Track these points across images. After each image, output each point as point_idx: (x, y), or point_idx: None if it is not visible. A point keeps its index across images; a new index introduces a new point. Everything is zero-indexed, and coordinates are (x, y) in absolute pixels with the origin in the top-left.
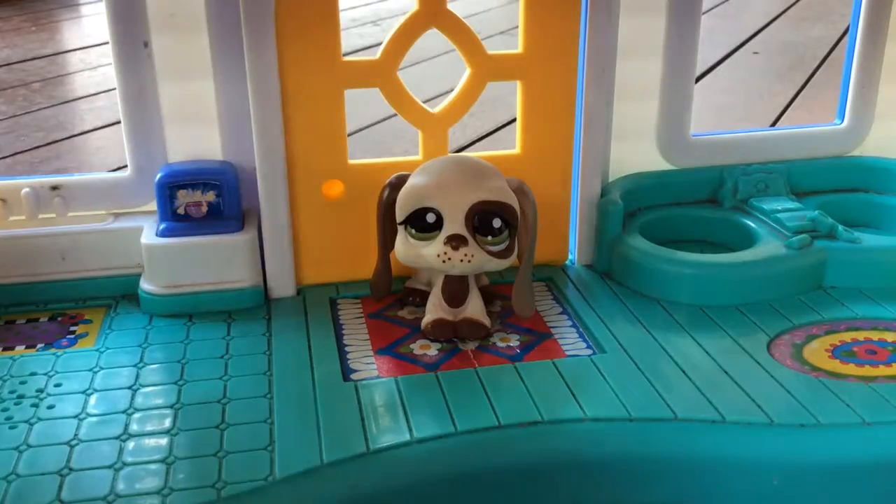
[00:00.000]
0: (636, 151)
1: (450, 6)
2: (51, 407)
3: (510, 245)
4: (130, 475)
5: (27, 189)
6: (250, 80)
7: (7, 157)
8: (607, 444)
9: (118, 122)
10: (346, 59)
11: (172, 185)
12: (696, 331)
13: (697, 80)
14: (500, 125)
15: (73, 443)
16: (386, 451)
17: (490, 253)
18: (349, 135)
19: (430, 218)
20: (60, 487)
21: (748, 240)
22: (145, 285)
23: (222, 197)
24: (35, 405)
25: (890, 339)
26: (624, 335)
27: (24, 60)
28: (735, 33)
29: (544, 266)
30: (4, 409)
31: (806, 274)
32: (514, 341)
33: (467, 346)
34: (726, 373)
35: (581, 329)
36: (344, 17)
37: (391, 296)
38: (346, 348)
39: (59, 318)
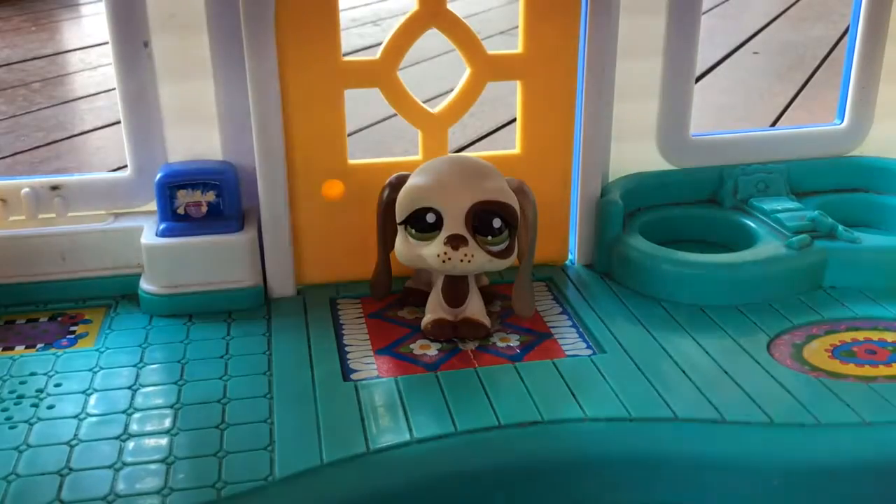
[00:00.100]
0: (636, 151)
1: (450, 6)
2: (51, 407)
3: (510, 245)
4: (130, 475)
5: (27, 189)
6: (250, 80)
7: (7, 157)
8: (607, 444)
9: (118, 122)
10: (346, 59)
11: (172, 185)
12: (696, 331)
13: (697, 80)
14: (500, 125)
15: (73, 443)
16: (386, 451)
17: (490, 253)
18: (349, 135)
19: (430, 218)
20: (60, 487)
21: (748, 240)
22: (145, 285)
23: (222, 197)
24: (35, 405)
25: (890, 339)
26: (624, 335)
27: (24, 60)
28: (735, 33)
29: (544, 266)
30: (4, 409)
31: (806, 274)
32: (514, 341)
33: (467, 346)
34: (726, 373)
35: (581, 329)
36: (344, 17)
37: (391, 296)
38: (346, 348)
39: (59, 318)
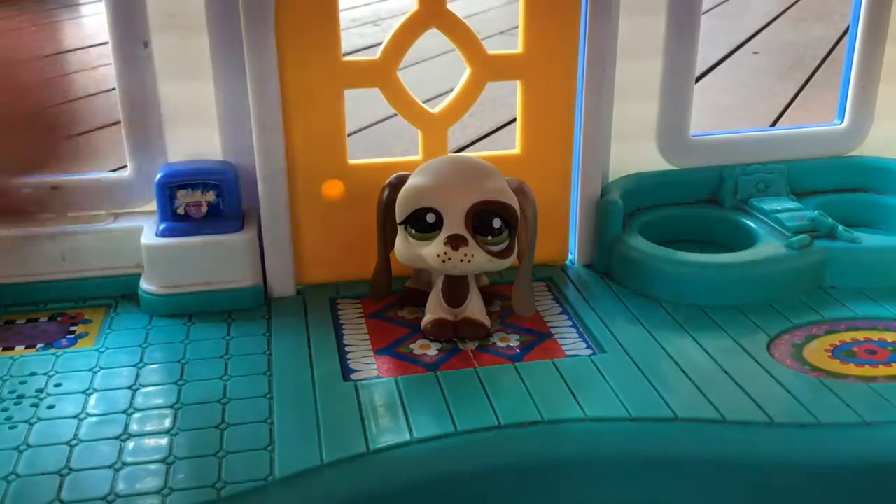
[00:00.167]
0: (636, 151)
1: (450, 6)
2: (51, 407)
3: (510, 245)
4: (130, 475)
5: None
6: (250, 80)
7: None
8: (607, 444)
9: (118, 122)
10: (346, 59)
11: (172, 185)
12: (696, 331)
13: (697, 80)
14: (500, 125)
15: (73, 443)
16: (386, 451)
17: (490, 253)
18: (349, 135)
19: (430, 218)
20: (60, 487)
21: (748, 240)
22: (145, 285)
23: (222, 197)
24: (35, 405)
25: (890, 339)
26: (624, 335)
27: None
28: (735, 33)
29: (544, 266)
30: (4, 409)
31: (806, 274)
32: (514, 341)
33: (467, 346)
34: (726, 373)
35: (581, 329)
36: (344, 17)
37: (391, 296)
38: (346, 348)
39: (59, 318)
